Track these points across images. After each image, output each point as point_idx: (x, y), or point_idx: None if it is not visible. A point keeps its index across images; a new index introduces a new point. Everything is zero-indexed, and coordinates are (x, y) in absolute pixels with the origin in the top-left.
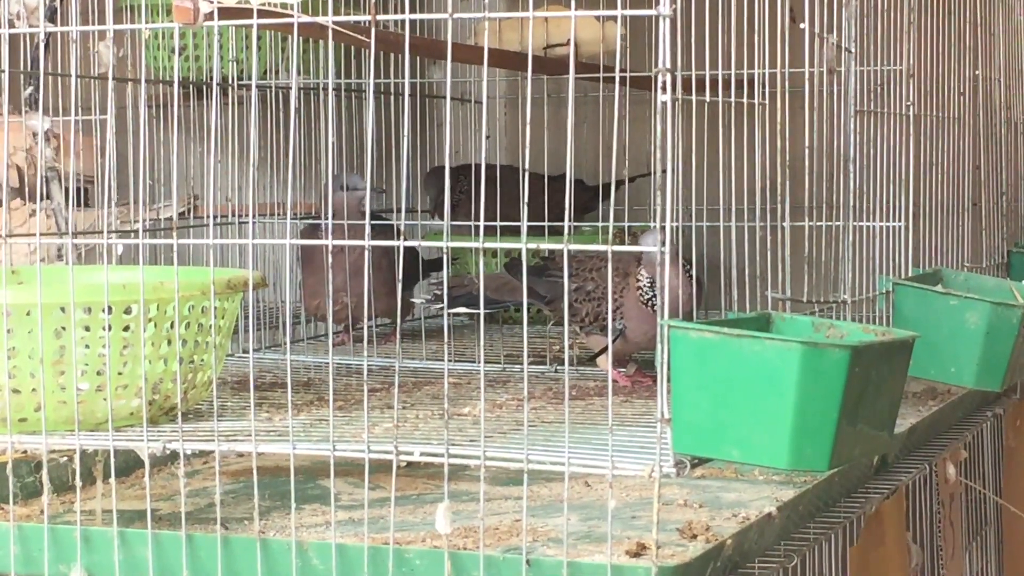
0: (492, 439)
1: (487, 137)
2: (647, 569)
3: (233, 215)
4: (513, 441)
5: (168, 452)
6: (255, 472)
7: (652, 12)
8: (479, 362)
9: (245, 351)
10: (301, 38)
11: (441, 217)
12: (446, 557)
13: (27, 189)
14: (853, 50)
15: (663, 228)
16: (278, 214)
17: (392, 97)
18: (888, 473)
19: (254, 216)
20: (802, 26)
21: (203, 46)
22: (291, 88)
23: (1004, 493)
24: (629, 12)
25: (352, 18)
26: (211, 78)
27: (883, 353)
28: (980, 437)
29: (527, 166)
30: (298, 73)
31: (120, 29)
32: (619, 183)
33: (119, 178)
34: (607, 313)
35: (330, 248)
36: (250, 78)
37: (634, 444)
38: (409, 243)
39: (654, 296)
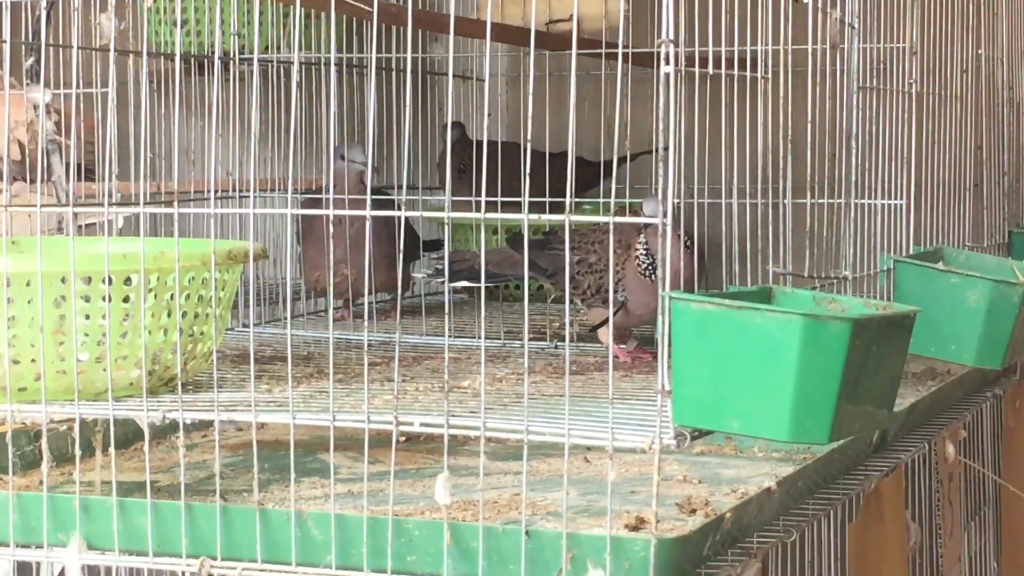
0: (492, 411)
1: (488, 115)
2: (646, 541)
3: (234, 190)
4: (513, 413)
5: (168, 422)
6: (255, 443)
7: None
8: (479, 337)
9: (245, 325)
10: (303, 12)
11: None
12: (445, 528)
13: (28, 162)
14: (856, 25)
15: (664, 200)
16: (279, 189)
17: (393, 73)
18: (887, 451)
19: (255, 191)
20: (805, 0)
21: (204, 21)
22: (293, 63)
23: (1003, 473)
24: None
25: None
26: (212, 52)
27: (884, 327)
28: (980, 417)
29: (528, 144)
30: (300, 48)
31: None
32: (620, 160)
33: (119, 154)
34: (612, 284)
35: (331, 217)
36: (251, 53)
37: (634, 417)
38: (410, 213)
39: (650, 265)
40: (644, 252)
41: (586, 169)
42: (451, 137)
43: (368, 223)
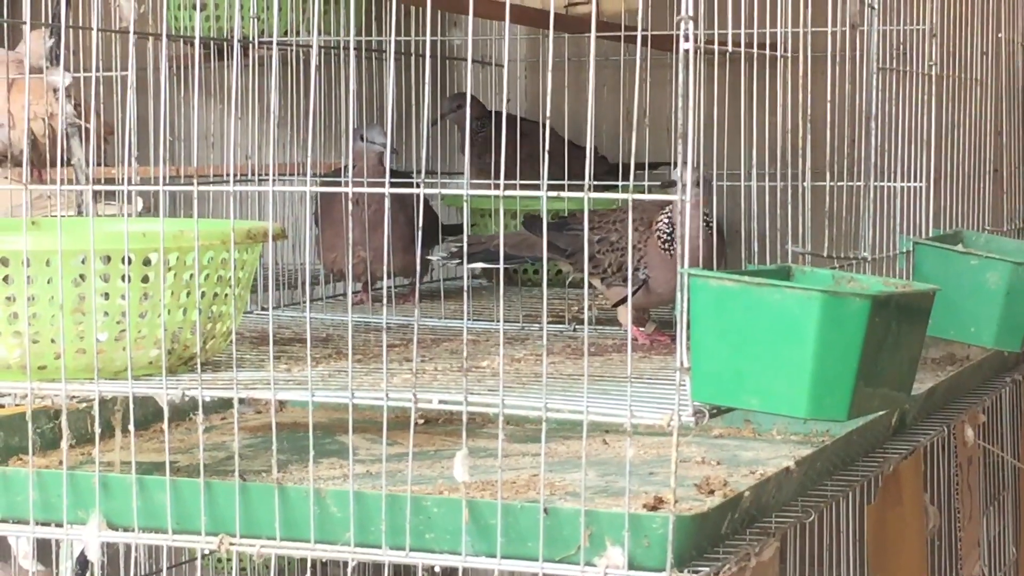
0: (511, 389)
1: (507, 100)
2: (665, 518)
3: (253, 174)
4: (532, 391)
5: (187, 399)
6: (273, 421)
7: None
8: (498, 319)
9: (264, 309)
10: None
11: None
12: (463, 505)
13: (40, 153)
14: (876, 6)
15: (684, 175)
16: (298, 174)
17: (412, 58)
18: (906, 434)
19: (274, 174)
20: None
21: (224, 5)
22: (312, 47)
23: (1022, 458)
24: None
25: None
26: (231, 36)
27: (903, 304)
28: (999, 402)
29: (547, 128)
30: (319, 32)
31: None
32: (638, 166)
33: (138, 139)
34: (633, 262)
35: (349, 195)
36: (271, 37)
37: (653, 395)
38: (428, 191)
39: (670, 237)
40: (666, 222)
41: (600, 165)
42: (445, 107)
43: (387, 204)
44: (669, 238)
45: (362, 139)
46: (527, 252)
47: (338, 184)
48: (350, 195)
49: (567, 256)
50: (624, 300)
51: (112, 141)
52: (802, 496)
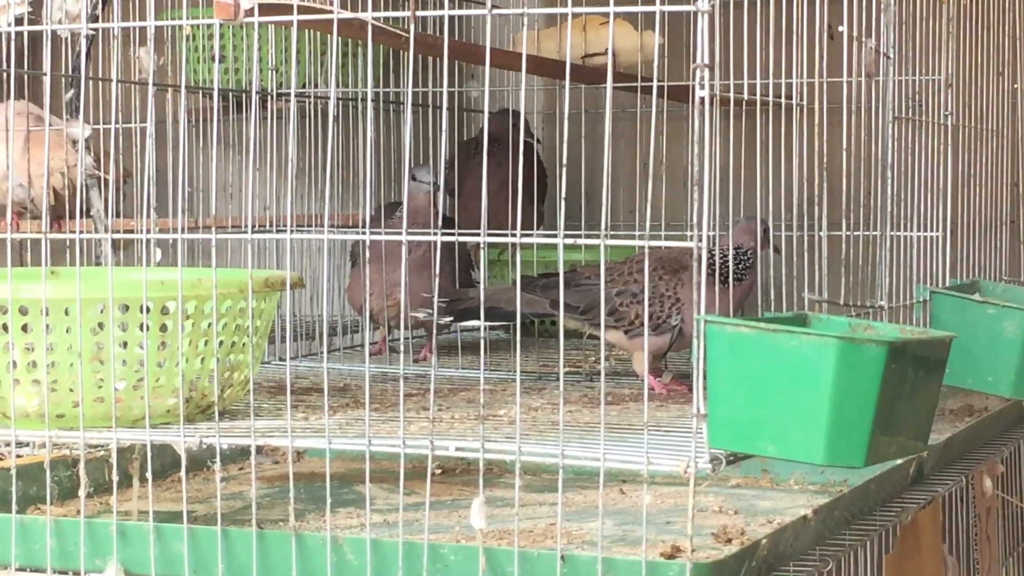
0: (528, 436)
1: (523, 155)
2: (682, 565)
3: (271, 224)
4: (549, 439)
5: (204, 447)
6: (291, 470)
7: (690, 7)
8: (515, 369)
9: (282, 359)
10: (340, 48)
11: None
12: (480, 552)
13: (64, 208)
14: (891, 56)
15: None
16: (315, 225)
17: (430, 109)
18: (924, 484)
19: (292, 224)
20: (840, 29)
21: (243, 58)
22: (330, 98)
23: None
24: (668, 8)
25: (392, 14)
26: (250, 88)
27: (920, 352)
28: (1017, 453)
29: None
30: (336, 84)
31: (160, 26)
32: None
33: (157, 191)
34: (665, 311)
35: (367, 243)
36: (289, 88)
37: (670, 443)
38: (446, 238)
39: (725, 266)
40: (721, 256)
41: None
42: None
43: (404, 247)
44: (740, 264)
45: (413, 179)
46: (526, 308)
47: (385, 214)
48: (367, 243)
49: (581, 313)
50: (651, 351)
51: (130, 182)
52: (820, 545)
